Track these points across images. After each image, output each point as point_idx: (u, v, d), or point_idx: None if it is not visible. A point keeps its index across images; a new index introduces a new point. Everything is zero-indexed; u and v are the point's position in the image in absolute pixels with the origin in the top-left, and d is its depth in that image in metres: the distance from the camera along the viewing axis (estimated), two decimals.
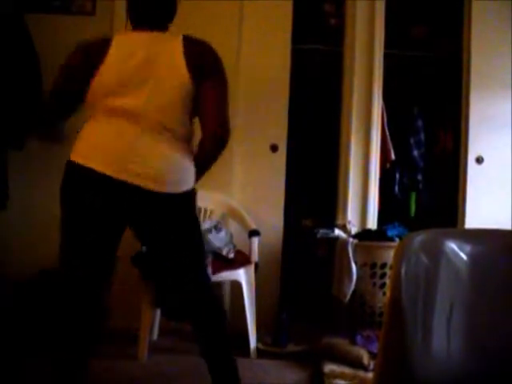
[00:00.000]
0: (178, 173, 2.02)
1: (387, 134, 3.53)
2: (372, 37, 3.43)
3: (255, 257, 3.03)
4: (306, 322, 3.30)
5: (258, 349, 2.98)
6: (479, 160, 3.44)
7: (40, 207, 3.31)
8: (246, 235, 3.08)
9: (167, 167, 1.99)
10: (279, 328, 3.05)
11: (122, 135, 1.98)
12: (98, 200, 1.96)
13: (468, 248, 1.32)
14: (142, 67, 1.98)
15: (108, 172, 1.93)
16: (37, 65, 3.08)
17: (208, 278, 2.18)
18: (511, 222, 3.32)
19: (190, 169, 2.06)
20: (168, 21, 2.15)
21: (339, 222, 3.42)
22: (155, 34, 2.06)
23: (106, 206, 1.98)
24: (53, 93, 2.12)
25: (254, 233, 3.05)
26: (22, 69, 3.01)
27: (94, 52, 2.03)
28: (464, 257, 1.31)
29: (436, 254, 1.30)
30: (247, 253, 3.04)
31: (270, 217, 3.39)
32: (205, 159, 2.10)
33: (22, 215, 3.27)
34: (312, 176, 3.82)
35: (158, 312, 3.07)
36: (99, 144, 1.99)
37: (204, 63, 2.03)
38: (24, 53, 3.02)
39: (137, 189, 1.95)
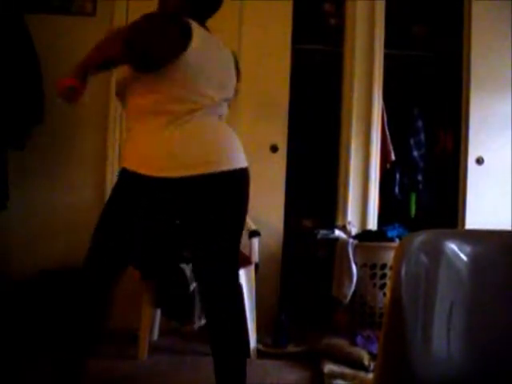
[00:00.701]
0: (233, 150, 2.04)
1: (387, 134, 3.53)
2: (372, 37, 3.43)
3: (255, 257, 3.02)
4: (306, 323, 3.30)
5: (258, 349, 2.97)
6: (479, 161, 3.44)
7: (40, 207, 3.31)
8: (246, 236, 3.08)
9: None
10: (279, 329, 3.05)
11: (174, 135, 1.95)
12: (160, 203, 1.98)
13: (468, 248, 1.32)
14: (220, 67, 2.08)
15: (168, 174, 1.93)
16: (37, 65, 3.08)
17: (237, 273, 2.20)
18: (511, 223, 3.32)
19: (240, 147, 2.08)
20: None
21: (339, 222, 3.42)
22: (214, 36, 2.10)
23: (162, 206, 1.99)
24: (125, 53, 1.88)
25: (254, 233, 3.05)
26: (21, 69, 3.01)
27: (182, 32, 1.92)
28: (464, 257, 1.31)
29: (436, 254, 1.30)
30: (247, 253, 3.03)
31: (270, 217, 3.39)
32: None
33: (22, 215, 3.27)
34: (312, 176, 3.81)
35: (158, 312, 3.07)
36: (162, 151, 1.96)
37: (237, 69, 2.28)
38: (24, 53, 3.02)
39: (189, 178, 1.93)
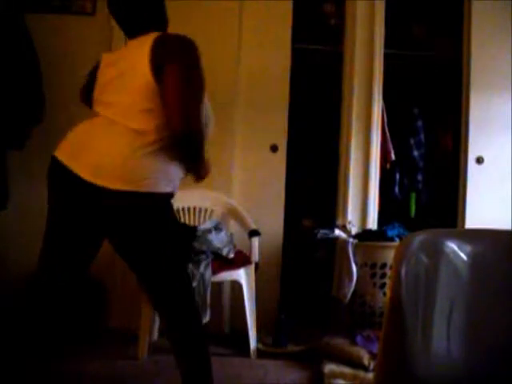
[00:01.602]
0: (138, 171, 1.89)
1: (387, 134, 3.53)
2: (372, 37, 3.43)
3: (255, 257, 3.02)
4: (306, 323, 3.30)
5: (258, 349, 2.97)
6: (479, 160, 3.44)
7: (40, 207, 3.30)
8: (246, 235, 3.08)
9: (123, 166, 1.88)
10: (279, 328, 3.05)
11: (87, 131, 2.03)
12: (63, 189, 2.09)
13: (468, 248, 1.32)
14: (114, 75, 2.01)
15: (63, 158, 2.03)
16: (37, 65, 3.08)
17: (184, 290, 2.06)
18: (511, 222, 3.32)
19: (146, 167, 1.90)
20: (151, 25, 2.05)
21: (339, 222, 3.42)
22: (133, 41, 2.04)
23: (69, 195, 2.05)
24: None
25: (254, 233, 3.05)
26: (21, 69, 3.01)
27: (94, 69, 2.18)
28: (464, 257, 1.31)
29: (436, 254, 1.30)
30: (247, 253, 3.03)
31: (270, 217, 3.39)
32: (181, 158, 1.99)
33: (22, 215, 3.27)
34: (312, 176, 3.82)
35: None
36: (69, 139, 2.07)
37: (165, 53, 1.89)
38: (24, 53, 3.02)
39: (79, 180, 1.93)
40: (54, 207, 2.09)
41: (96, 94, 2.08)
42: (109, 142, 1.92)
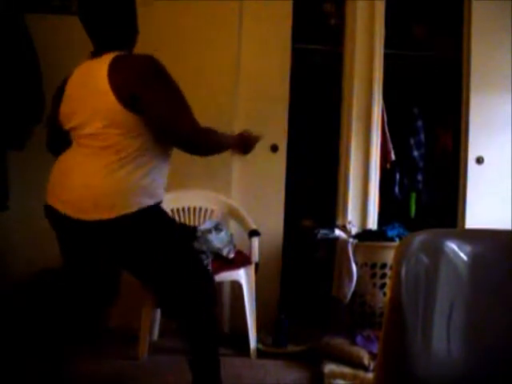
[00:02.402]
0: (94, 199, 1.94)
1: (387, 134, 3.53)
2: (372, 37, 3.43)
3: (255, 257, 3.02)
4: (306, 323, 3.30)
5: (258, 349, 2.97)
6: (479, 160, 3.44)
7: (40, 207, 3.29)
8: (246, 235, 3.08)
9: (82, 194, 1.96)
10: (279, 328, 3.05)
11: (64, 168, 2.08)
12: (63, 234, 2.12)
13: (468, 248, 1.32)
14: (77, 97, 2.03)
15: (50, 202, 2.09)
16: (37, 65, 3.08)
17: (194, 289, 2.11)
18: (511, 222, 3.32)
19: (119, 191, 1.94)
20: (126, 43, 2.05)
21: (339, 222, 3.42)
22: (96, 61, 2.00)
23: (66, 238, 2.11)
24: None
25: (254, 233, 3.05)
26: (22, 69, 3.01)
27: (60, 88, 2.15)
28: (464, 257, 1.31)
29: (436, 254, 1.30)
30: (247, 253, 3.04)
31: (270, 217, 3.39)
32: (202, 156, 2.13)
33: (22, 215, 3.27)
34: (312, 176, 3.81)
35: (158, 312, 3.07)
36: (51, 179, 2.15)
37: (129, 83, 1.90)
38: (24, 53, 3.02)
39: (67, 218, 2.01)
40: (61, 245, 2.17)
41: (61, 117, 2.11)
42: (81, 174, 1.98)
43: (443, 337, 1.26)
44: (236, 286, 3.06)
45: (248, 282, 2.97)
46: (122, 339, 3.03)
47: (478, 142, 3.45)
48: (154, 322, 3.09)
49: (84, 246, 2.05)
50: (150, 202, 1.98)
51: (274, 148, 3.42)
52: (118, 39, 2.02)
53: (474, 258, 1.32)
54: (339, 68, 3.57)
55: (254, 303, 2.98)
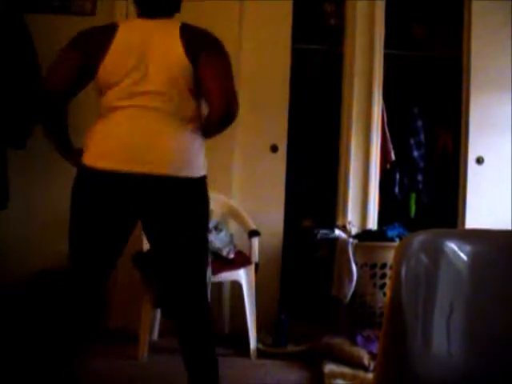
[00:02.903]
0: (185, 155, 2.01)
1: (387, 134, 3.53)
2: (372, 37, 3.43)
3: (255, 257, 3.02)
4: (306, 323, 3.30)
5: (258, 349, 2.97)
6: (479, 160, 3.44)
7: (40, 207, 3.31)
8: (246, 235, 3.08)
9: (173, 150, 1.99)
10: (279, 328, 3.05)
11: (131, 127, 1.98)
12: (111, 200, 1.98)
13: (468, 248, 1.32)
14: (142, 53, 1.99)
15: (118, 167, 1.95)
16: (37, 65, 3.08)
17: (204, 282, 2.15)
18: (511, 222, 3.32)
19: (198, 153, 2.06)
20: (174, 10, 2.15)
21: (339, 222, 3.42)
22: (157, 21, 2.06)
23: (118, 205, 1.99)
24: (45, 93, 2.06)
25: (254, 233, 3.05)
26: (22, 68, 3.01)
27: (97, 41, 2.02)
28: (464, 257, 1.31)
29: (436, 254, 1.30)
30: (247, 253, 3.04)
31: (270, 217, 3.39)
32: (210, 130, 2.11)
33: (22, 215, 3.27)
34: (312, 176, 3.81)
35: (158, 312, 3.07)
36: (109, 142, 1.99)
37: (200, 42, 2.02)
38: (24, 53, 3.02)
39: (145, 177, 1.95)
40: (95, 210, 2.02)
41: (112, 80, 2.00)
42: (167, 137, 1.99)
43: (443, 337, 1.26)
44: (236, 286, 3.06)
45: (248, 282, 2.97)
46: (122, 339, 3.03)
47: (477, 142, 3.45)
48: (153, 322, 3.09)
49: (133, 208, 2.00)
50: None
51: (274, 148, 3.42)
52: (171, 7, 2.13)
53: (474, 258, 1.32)
54: (339, 68, 3.57)
55: (254, 303, 2.98)
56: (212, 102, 2.00)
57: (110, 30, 2.02)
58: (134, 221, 2.06)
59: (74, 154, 2.12)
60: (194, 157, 2.03)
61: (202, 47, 2.00)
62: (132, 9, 3.29)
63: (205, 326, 2.08)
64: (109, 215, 1.99)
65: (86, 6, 3.35)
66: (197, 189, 2.06)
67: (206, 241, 2.17)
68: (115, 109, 2.00)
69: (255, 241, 3.03)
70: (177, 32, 2.00)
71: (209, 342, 2.07)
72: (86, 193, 2.01)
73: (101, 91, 2.04)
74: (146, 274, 2.85)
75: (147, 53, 1.99)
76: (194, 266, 2.09)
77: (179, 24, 2.04)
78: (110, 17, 3.30)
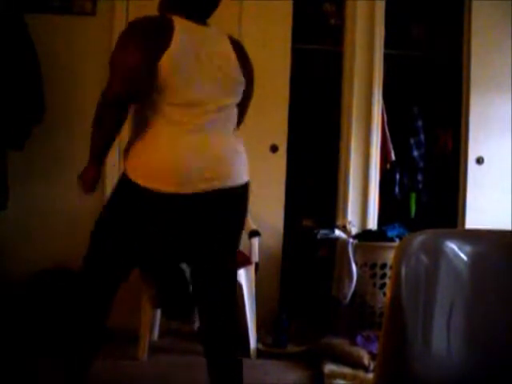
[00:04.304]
0: (242, 163, 2.04)
1: (387, 134, 3.53)
2: (372, 37, 3.43)
3: (255, 257, 3.02)
4: (306, 323, 3.30)
5: (258, 349, 2.97)
6: (479, 161, 3.44)
7: (40, 207, 3.31)
8: (246, 236, 3.08)
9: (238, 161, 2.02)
10: (279, 328, 3.05)
11: (198, 148, 1.90)
12: (162, 220, 1.95)
13: (468, 248, 1.32)
14: (209, 62, 1.93)
15: (182, 191, 1.88)
16: (37, 65, 3.08)
17: (235, 284, 2.16)
18: (511, 222, 3.32)
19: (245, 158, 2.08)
20: (214, 10, 2.11)
21: (339, 222, 3.42)
22: (210, 29, 2.04)
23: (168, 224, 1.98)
24: (112, 102, 1.85)
25: (254, 233, 3.05)
26: (21, 69, 3.01)
27: (155, 36, 1.83)
28: (464, 257, 1.31)
29: (436, 254, 1.30)
30: (247, 253, 3.03)
31: (270, 217, 3.39)
32: None
33: (22, 215, 3.27)
34: (312, 176, 3.81)
35: (158, 312, 3.07)
36: (173, 162, 1.88)
37: (248, 70, 2.09)
38: (24, 53, 3.02)
39: (213, 192, 1.92)
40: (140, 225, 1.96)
41: (181, 88, 1.86)
42: (221, 149, 1.97)
43: (443, 337, 1.26)
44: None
45: (248, 282, 2.97)
46: (122, 339, 3.03)
47: (477, 142, 3.45)
48: (154, 322, 3.09)
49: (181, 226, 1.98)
50: None
51: (274, 148, 3.41)
52: (214, 8, 2.10)
53: (474, 258, 1.32)
54: (339, 68, 3.57)
55: (254, 303, 2.98)
56: (240, 121, 2.12)
57: (167, 27, 1.85)
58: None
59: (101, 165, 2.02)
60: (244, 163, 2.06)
61: (249, 79, 2.09)
62: (132, 9, 3.32)
63: (234, 334, 2.07)
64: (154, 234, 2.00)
65: (86, 6, 3.35)
66: (245, 193, 2.06)
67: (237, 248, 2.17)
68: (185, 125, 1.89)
69: (255, 241, 3.03)
70: (232, 50, 2.02)
71: (236, 348, 2.08)
72: (142, 210, 1.93)
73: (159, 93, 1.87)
74: (146, 274, 2.85)
75: (213, 62, 1.94)
76: (229, 270, 2.10)
77: (228, 39, 2.06)
78: (110, 17, 3.31)
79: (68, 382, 2.00)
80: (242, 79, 2.02)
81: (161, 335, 3.16)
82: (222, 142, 1.97)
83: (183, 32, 1.86)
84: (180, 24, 1.87)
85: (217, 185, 1.91)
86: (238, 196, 2.01)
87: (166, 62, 1.81)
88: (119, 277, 2.05)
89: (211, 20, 2.09)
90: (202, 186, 1.88)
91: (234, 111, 2.04)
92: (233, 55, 2.01)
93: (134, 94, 1.84)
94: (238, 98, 2.03)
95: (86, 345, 2.04)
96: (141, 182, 1.87)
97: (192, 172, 1.87)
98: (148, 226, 1.94)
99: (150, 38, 1.83)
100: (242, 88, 2.04)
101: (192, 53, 1.87)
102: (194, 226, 1.97)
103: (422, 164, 3.68)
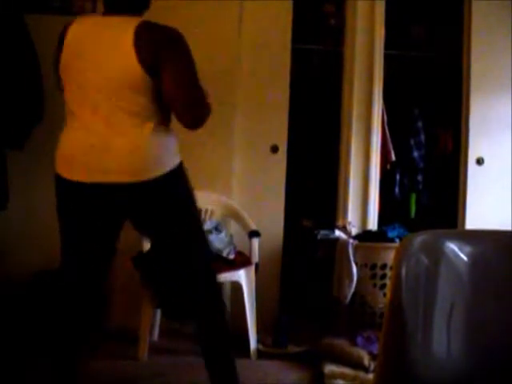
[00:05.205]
0: (144, 159, 1.97)
1: (387, 134, 3.53)
2: (372, 37, 3.42)
3: (255, 258, 3.02)
4: (307, 323, 3.29)
5: (258, 350, 2.97)
6: (479, 161, 3.44)
7: (40, 207, 3.30)
8: (246, 236, 3.08)
9: (131, 156, 1.95)
10: (279, 329, 3.05)
11: (85, 137, 1.98)
12: (83, 207, 2.01)
13: (468, 248, 1.32)
14: (90, 54, 1.96)
15: (81, 178, 1.97)
16: (37, 65, 3.08)
17: (213, 275, 2.18)
18: (511, 223, 3.32)
19: (160, 150, 2.01)
20: (140, 6, 2.07)
21: (339, 222, 3.42)
22: (110, 20, 2.01)
23: (91, 210, 2.01)
24: None
25: (254, 234, 3.05)
26: (21, 69, 3.01)
27: (58, 43, 2.04)
28: (464, 257, 1.31)
29: (436, 254, 1.30)
30: (247, 254, 3.03)
31: (270, 217, 3.39)
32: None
33: (22, 215, 3.27)
34: (312, 177, 3.81)
35: (158, 312, 3.07)
36: (68, 152, 2.01)
37: (156, 42, 1.93)
38: (24, 53, 3.02)
39: (111, 185, 1.95)
40: (76, 216, 2.06)
41: (66, 75, 2.00)
42: (121, 142, 1.95)
43: (443, 337, 1.26)
44: (236, 287, 3.06)
45: (248, 283, 2.97)
46: (122, 339, 3.03)
47: (478, 143, 3.45)
48: (154, 322, 3.09)
49: (111, 214, 2.03)
50: (177, 159, 2.06)
51: (275, 149, 3.41)
52: (134, 3, 2.05)
53: (474, 259, 1.32)
54: (339, 68, 3.57)
55: (254, 304, 2.98)
56: (176, 113, 2.00)
57: (63, 29, 2.03)
58: (114, 223, 2.08)
59: None
60: (154, 156, 1.99)
61: (159, 48, 1.93)
62: None
63: (217, 322, 2.12)
64: (88, 220, 2.03)
65: (86, 6, 3.35)
66: (165, 185, 2.02)
67: (198, 231, 2.16)
68: (72, 113, 2.02)
69: (255, 241, 3.03)
70: (131, 29, 1.92)
71: (222, 339, 2.11)
72: (64, 199, 2.07)
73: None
74: (145, 275, 2.85)
75: (98, 57, 1.95)
76: (193, 258, 2.11)
77: (134, 26, 1.93)
78: None
79: (56, 378, 2.02)
80: (132, 63, 1.91)
81: (161, 335, 3.16)
82: (112, 134, 1.96)
83: (76, 34, 2.00)
84: (78, 27, 2.02)
85: (115, 178, 1.95)
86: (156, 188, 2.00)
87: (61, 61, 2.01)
88: (90, 267, 2.08)
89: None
90: (97, 177, 1.95)
91: (132, 101, 1.96)
92: (126, 42, 1.91)
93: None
94: (126, 83, 1.94)
95: (68, 344, 2.05)
96: (58, 171, 2.04)
97: (90, 164, 1.96)
98: (76, 212, 2.04)
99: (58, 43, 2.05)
100: (132, 73, 1.92)
101: (79, 49, 1.98)
102: (113, 211, 2.04)
103: (422, 164, 3.68)
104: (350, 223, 3.36)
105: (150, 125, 1.97)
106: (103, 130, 1.95)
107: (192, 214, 2.13)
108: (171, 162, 2.02)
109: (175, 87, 1.94)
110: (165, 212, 2.04)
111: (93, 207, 2.00)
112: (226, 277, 2.91)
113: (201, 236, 2.16)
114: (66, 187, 2.02)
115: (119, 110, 1.94)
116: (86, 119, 1.97)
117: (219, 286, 2.24)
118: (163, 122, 2.03)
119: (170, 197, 2.05)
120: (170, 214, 2.06)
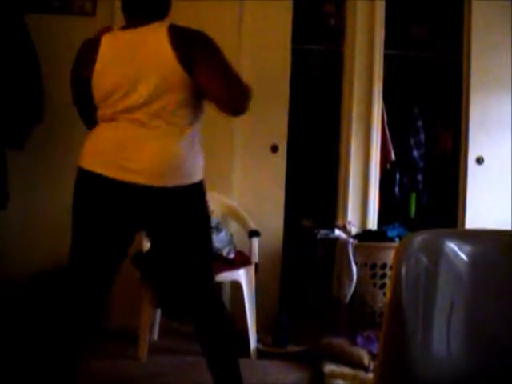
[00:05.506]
0: (176, 165, 1.97)
1: (387, 134, 3.53)
2: (372, 37, 3.43)
3: (255, 257, 3.02)
4: (306, 323, 3.30)
5: (258, 349, 2.97)
6: (479, 160, 3.44)
7: (40, 207, 3.31)
8: (246, 235, 3.08)
9: (162, 160, 1.94)
10: (279, 328, 3.05)
11: (117, 135, 1.97)
12: (104, 203, 1.97)
13: (468, 248, 1.32)
14: (131, 65, 1.95)
15: (107, 173, 1.93)
16: (37, 65, 3.08)
17: (213, 279, 2.17)
18: (511, 222, 3.32)
19: (192, 160, 2.01)
20: (161, 12, 2.07)
21: (339, 222, 3.42)
22: (141, 29, 2.00)
23: (112, 208, 1.98)
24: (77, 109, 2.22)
25: (254, 233, 3.05)
26: (22, 69, 3.01)
27: (87, 55, 2.04)
28: (464, 257, 1.31)
29: (436, 254, 1.30)
30: (247, 253, 3.03)
31: (270, 217, 3.39)
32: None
33: (22, 215, 3.27)
34: (312, 176, 3.81)
35: (158, 312, 3.07)
36: (99, 147, 1.99)
37: (188, 42, 1.95)
38: (24, 53, 3.02)
39: (134, 186, 1.93)
40: (92, 214, 2.03)
41: (106, 87, 1.98)
42: (156, 145, 1.95)
43: (443, 337, 1.26)
44: (236, 287, 3.06)
45: (248, 282, 2.97)
46: (121, 339, 3.03)
47: (477, 142, 3.45)
48: (154, 322, 3.09)
49: (128, 215, 1.99)
50: (203, 175, 2.06)
51: (274, 148, 3.42)
52: (158, 9, 2.06)
53: (474, 258, 1.32)
54: (339, 68, 3.57)
55: (254, 303, 2.98)
56: (219, 107, 1.98)
57: (94, 43, 2.03)
58: (130, 226, 2.04)
59: None
60: (184, 165, 1.98)
61: (192, 48, 1.94)
62: None
63: (220, 324, 2.10)
64: (104, 219, 1.99)
65: (87, 6, 3.35)
66: (189, 196, 2.02)
67: (208, 246, 2.14)
68: (105, 118, 2.02)
69: (255, 241, 3.03)
70: (165, 37, 1.93)
71: (225, 343, 2.10)
72: (83, 194, 2.03)
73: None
74: (145, 274, 2.85)
75: (135, 62, 1.95)
76: (199, 270, 2.10)
77: (166, 27, 1.95)
78: (110, 17, 3.30)
79: (56, 378, 2.02)
80: (169, 67, 1.92)
81: (161, 335, 3.16)
82: (148, 136, 1.95)
83: (106, 47, 2.00)
84: (106, 39, 2.02)
85: (141, 180, 1.93)
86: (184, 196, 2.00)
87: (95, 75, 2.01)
88: (100, 269, 2.05)
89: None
90: (120, 175, 1.93)
91: (171, 104, 1.96)
92: (161, 45, 1.93)
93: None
94: (167, 84, 1.94)
95: (70, 344, 2.05)
96: (83, 165, 2.01)
97: (111, 156, 1.95)
98: (95, 210, 2.00)
99: (84, 55, 2.09)
100: (168, 74, 1.93)
101: (111, 64, 1.98)
102: (133, 215, 2.01)
103: (421, 164, 3.68)
104: (349, 223, 3.36)
105: (186, 134, 1.98)
106: (139, 132, 1.95)
107: (205, 230, 2.12)
108: (197, 176, 2.02)
109: (216, 81, 1.94)
110: (182, 222, 2.03)
111: (111, 206, 1.97)
112: (225, 276, 2.91)
113: (207, 242, 2.15)
114: (87, 180, 1.99)
115: (157, 114, 1.94)
116: (121, 122, 1.97)
117: (218, 286, 2.22)
118: (197, 134, 2.03)
119: (190, 207, 2.04)
120: (187, 225, 2.04)
